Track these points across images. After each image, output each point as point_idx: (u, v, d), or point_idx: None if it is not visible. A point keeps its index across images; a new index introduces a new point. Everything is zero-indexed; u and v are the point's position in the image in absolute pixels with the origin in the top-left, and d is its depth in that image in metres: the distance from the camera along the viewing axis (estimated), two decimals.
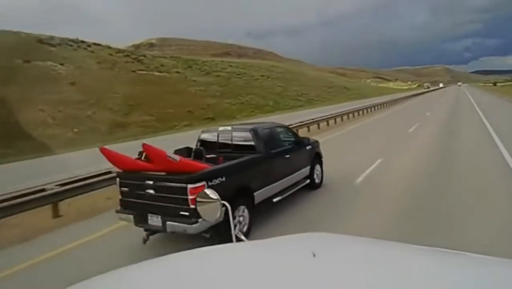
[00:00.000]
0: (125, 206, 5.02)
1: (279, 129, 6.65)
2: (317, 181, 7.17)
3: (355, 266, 0.96)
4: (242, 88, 46.93)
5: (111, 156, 4.78)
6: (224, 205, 1.55)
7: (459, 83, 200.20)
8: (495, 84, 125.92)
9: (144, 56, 51.38)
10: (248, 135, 5.86)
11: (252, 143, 5.74)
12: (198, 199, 1.65)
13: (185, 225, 4.29)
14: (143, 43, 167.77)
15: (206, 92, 39.46)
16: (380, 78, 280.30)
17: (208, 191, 1.63)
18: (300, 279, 0.84)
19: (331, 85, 77.05)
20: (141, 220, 4.78)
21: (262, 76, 61.39)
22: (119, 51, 47.99)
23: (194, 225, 4.22)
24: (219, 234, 4.20)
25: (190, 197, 4.25)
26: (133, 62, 43.86)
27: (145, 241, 4.86)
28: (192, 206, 4.11)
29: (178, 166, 4.47)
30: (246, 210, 5.01)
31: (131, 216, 4.86)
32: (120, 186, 5.02)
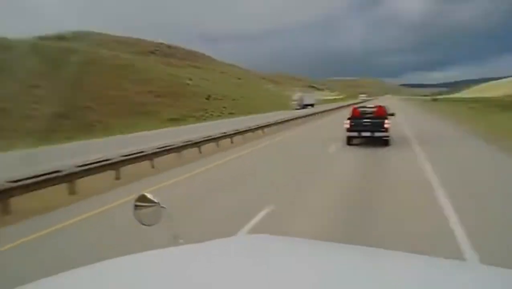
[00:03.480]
0: (350, 129, 12.64)
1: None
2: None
3: (295, 267, 0.92)
4: None
5: (353, 110, 13.63)
6: (163, 207, 1.41)
7: (388, 95, 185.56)
8: (435, 99, 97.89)
9: None
10: (381, 108, 13.62)
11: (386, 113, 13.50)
12: (136, 203, 1.48)
13: (383, 133, 12.13)
14: (49, 36, 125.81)
15: None
16: (312, 87, 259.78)
17: (148, 195, 1.45)
18: (239, 281, 0.79)
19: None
20: (358, 134, 12.55)
21: None
22: None
23: (385, 134, 12.14)
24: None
25: (385, 123, 12.17)
26: None
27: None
28: (385, 126, 12.16)
29: (382, 113, 12.93)
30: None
31: (356, 133, 12.64)
32: (350, 122, 12.72)
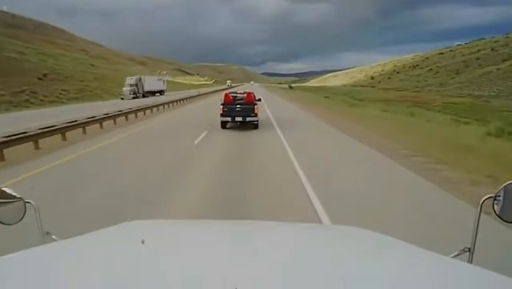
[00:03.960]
0: (224, 115, 12.81)
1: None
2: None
3: (182, 247, 0.93)
4: None
5: (225, 96, 13.26)
6: (28, 202, 1.23)
7: (251, 82, 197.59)
8: (291, 86, 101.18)
9: None
10: (250, 94, 13.65)
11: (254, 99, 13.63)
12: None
13: (253, 118, 12.78)
14: None
15: None
16: (182, 71, 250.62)
17: (7, 190, 1.23)
18: (130, 268, 0.78)
19: None
20: (232, 119, 12.72)
21: None
22: None
23: (255, 118, 12.80)
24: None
25: (255, 109, 12.82)
26: None
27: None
28: (255, 112, 12.82)
29: (251, 100, 13.18)
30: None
31: (229, 118, 12.80)
32: (223, 108, 12.80)
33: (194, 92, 51.75)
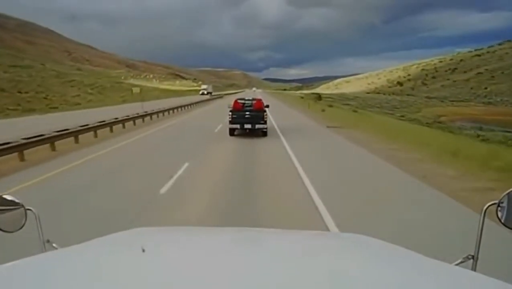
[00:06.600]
0: (232, 122, 12.72)
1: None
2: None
3: (184, 256, 0.91)
4: None
5: (234, 103, 13.50)
6: (29, 210, 1.19)
7: (254, 89, 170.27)
8: (319, 96, 55.61)
9: None
10: (259, 101, 13.91)
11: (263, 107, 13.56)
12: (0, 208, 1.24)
13: (262, 125, 12.62)
14: None
15: None
16: (176, 75, 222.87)
17: (8, 197, 1.20)
18: (130, 277, 0.76)
19: None
20: (241, 127, 12.58)
21: None
22: None
23: (265, 125, 12.70)
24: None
25: (264, 116, 12.70)
26: None
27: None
28: (264, 120, 12.69)
29: (261, 107, 13.26)
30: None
31: (238, 125, 12.65)
32: (232, 115, 12.73)
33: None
